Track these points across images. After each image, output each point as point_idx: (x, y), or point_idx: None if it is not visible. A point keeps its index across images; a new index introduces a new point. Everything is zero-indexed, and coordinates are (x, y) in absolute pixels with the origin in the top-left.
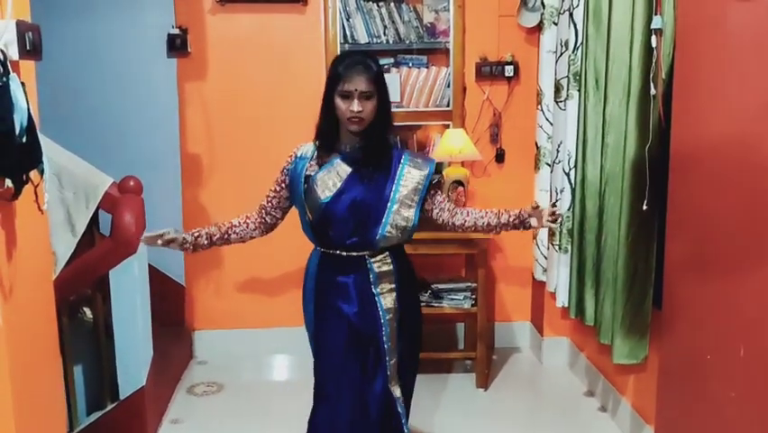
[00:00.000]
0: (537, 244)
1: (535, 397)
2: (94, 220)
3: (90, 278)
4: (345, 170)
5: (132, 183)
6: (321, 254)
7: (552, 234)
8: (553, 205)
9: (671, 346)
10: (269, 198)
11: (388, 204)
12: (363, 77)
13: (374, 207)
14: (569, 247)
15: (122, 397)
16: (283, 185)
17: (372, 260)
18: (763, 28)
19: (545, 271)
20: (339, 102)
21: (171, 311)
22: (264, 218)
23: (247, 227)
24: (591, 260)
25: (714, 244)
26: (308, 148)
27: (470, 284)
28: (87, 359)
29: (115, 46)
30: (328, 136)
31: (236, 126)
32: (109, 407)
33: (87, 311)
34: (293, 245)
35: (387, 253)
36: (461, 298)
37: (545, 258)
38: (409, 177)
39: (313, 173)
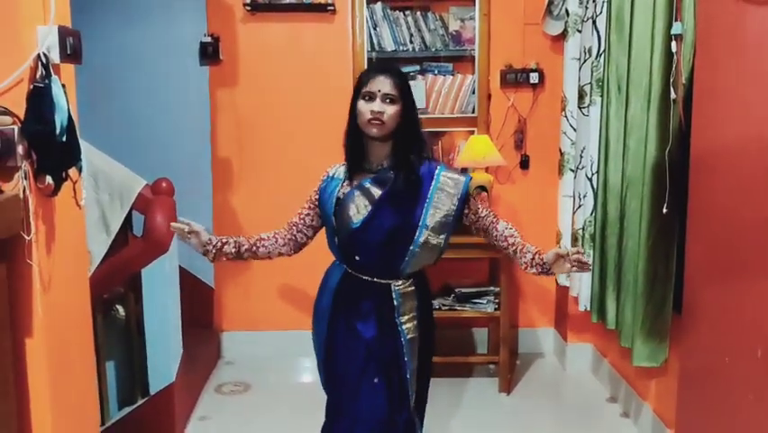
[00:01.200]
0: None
1: (558, 402)
2: (127, 221)
3: (123, 276)
4: (376, 192)
5: (164, 185)
6: (345, 272)
7: (575, 238)
8: (577, 252)
9: (690, 350)
10: (301, 216)
11: (417, 231)
12: (388, 80)
13: (402, 232)
14: (591, 251)
15: (152, 393)
16: (315, 204)
17: (396, 287)
18: None
19: (568, 276)
20: (361, 105)
21: (200, 313)
22: (295, 235)
23: (276, 242)
24: (613, 263)
25: (733, 247)
26: (341, 169)
27: (493, 288)
28: (119, 355)
29: (150, 53)
30: (354, 152)
31: (266, 133)
32: (140, 402)
33: (120, 309)
34: (321, 250)
35: (411, 279)
36: (485, 302)
37: None
38: (440, 201)
39: (344, 195)
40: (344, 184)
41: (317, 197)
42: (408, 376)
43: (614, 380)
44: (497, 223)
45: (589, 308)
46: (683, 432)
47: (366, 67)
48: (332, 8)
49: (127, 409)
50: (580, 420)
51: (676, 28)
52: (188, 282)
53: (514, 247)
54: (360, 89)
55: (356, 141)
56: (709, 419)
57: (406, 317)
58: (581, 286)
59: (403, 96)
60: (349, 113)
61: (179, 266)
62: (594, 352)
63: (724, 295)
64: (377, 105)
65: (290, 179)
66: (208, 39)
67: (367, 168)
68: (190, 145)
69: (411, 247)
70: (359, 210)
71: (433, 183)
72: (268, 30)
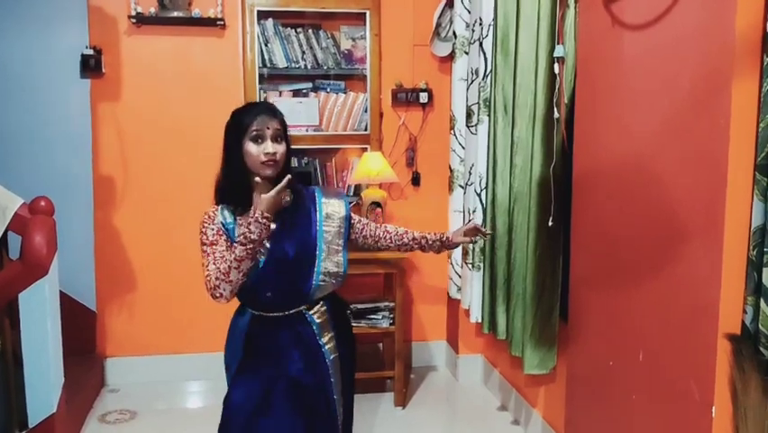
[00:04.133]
0: (452, 263)
1: (451, 413)
2: (2, 243)
3: None
4: (270, 228)
5: (43, 204)
6: (252, 317)
7: (465, 252)
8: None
9: (577, 355)
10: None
11: (316, 252)
12: (275, 118)
13: (306, 256)
14: (481, 264)
15: (31, 425)
16: (225, 239)
17: (311, 313)
18: (653, 58)
19: (460, 289)
20: (250, 147)
21: (81, 338)
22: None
23: None
24: (502, 275)
25: (614, 256)
26: (225, 213)
27: (387, 304)
28: None
29: (27, 65)
30: (243, 193)
31: (151, 149)
32: None
33: None
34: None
35: (321, 301)
36: (380, 317)
37: (459, 276)
38: (329, 220)
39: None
40: (238, 224)
41: (224, 232)
42: (336, 398)
43: (504, 389)
44: (383, 226)
45: (480, 320)
46: None
47: (240, 112)
48: (221, 23)
49: None
50: (473, 429)
51: (558, 51)
52: (68, 306)
53: (417, 241)
54: (242, 131)
55: (243, 181)
56: (596, 422)
57: (326, 338)
58: (473, 298)
59: (286, 133)
60: (228, 156)
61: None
62: (485, 363)
63: (606, 302)
64: (270, 147)
65: (176, 197)
66: (90, 51)
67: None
68: (70, 162)
69: (315, 269)
70: (261, 249)
71: (317, 203)
72: (154, 43)
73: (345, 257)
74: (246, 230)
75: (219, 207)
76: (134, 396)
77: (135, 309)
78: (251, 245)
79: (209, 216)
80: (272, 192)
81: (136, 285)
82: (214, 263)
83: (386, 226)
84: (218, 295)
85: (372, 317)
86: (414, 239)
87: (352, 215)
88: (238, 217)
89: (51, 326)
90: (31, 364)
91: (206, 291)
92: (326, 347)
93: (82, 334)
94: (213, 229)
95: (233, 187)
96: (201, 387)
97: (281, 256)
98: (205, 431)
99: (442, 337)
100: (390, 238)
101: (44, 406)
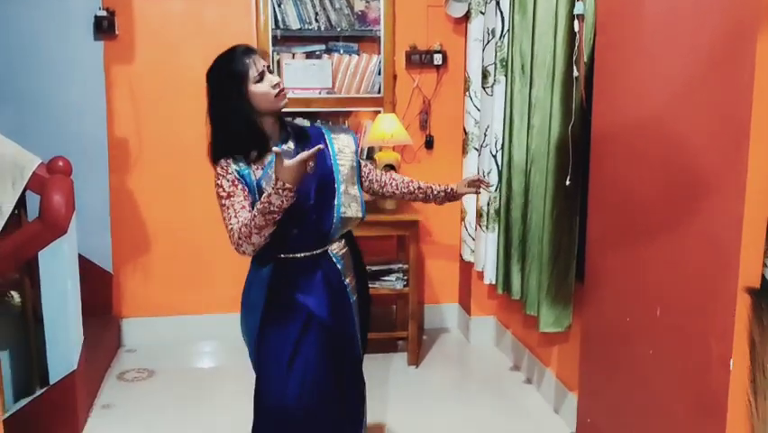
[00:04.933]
0: (465, 226)
1: (464, 373)
2: (21, 202)
3: (18, 261)
4: (293, 197)
5: (61, 164)
6: (276, 264)
7: (480, 215)
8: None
9: (592, 313)
10: (246, 204)
11: (335, 186)
12: (259, 54)
13: (326, 188)
14: (495, 226)
15: (52, 382)
16: (242, 188)
17: (335, 252)
18: (675, 16)
19: (473, 251)
20: (257, 88)
21: (98, 299)
22: None
23: None
24: (518, 236)
25: (631, 215)
26: (238, 162)
27: (401, 265)
28: (15, 344)
29: (40, 28)
30: (256, 138)
31: (165, 111)
32: (38, 392)
33: (15, 295)
34: (223, 230)
35: (343, 240)
36: (394, 279)
37: (473, 239)
38: (341, 155)
39: (259, 178)
40: (254, 171)
41: (239, 183)
42: (359, 343)
43: (516, 349)
44: (389, 173)
45: (494, 282)
46: (585, 393)
47: (225, 59)
48: None
49: (25, 401)
50: (486, 388)
51: (578, 8)
52: (85, 268)
53: (423, 190)
54: (240, 78)
55: (253, 127)
56: (610, 379)
57: (348, 279)
58: (486, 260)
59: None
60: (226, 105)
61: None
62: (497, 324)
63: (623, 261)
64: (275, 78)
65: (190, 158)
66: (103, 12)
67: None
68: (84, 124)
69: (335, 202)
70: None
71: (328, 143)
72: (167, 4)
73: (361, 192)
74: (267, 201)
75: (231, 159)
76: (151, 356)
77: (151, 271)
78: (273, 215)
79: (222, 168)
80: (296, 160)
81: (151, 247)
82: (235, 217)
83: (392, 173)
84: (242, 252)
85: (386, 278)
86: (419, 188)
87: (360, 160)
88: (252, 165)
89: (71, 284)
90: (51, 322)
91: (230, 244)
92: (349, 288)
93: (99, 295)
94: (228, 180)
95: (241, 136)
96: (216, 347)
97: (304, 192)
98: (221, 389)
99: (454, 300)
100: (396, 185)
101: (65, 363)
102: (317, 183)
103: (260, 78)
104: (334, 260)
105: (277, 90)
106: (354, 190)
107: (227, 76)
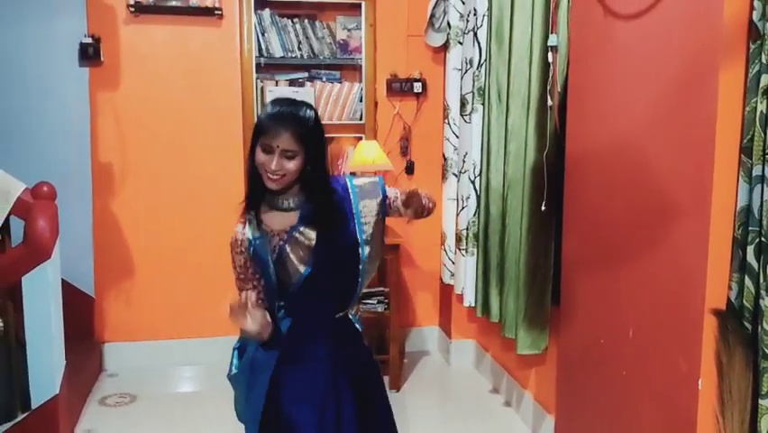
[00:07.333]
0: (445, 250)
1: (444, 396)
2: (5, 227)
3: (1, 285)
4: (308, 233)
5: (45, 189)
6: (292, 321)
7: (459, 238)
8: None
9: (568, 335)
10: (249, 280)
11: (360, 253)
12: (287, 133)
13: (350, 255)
14: (474, 250)
15: (33, 406)
16: (248, 263)
17: (352, 315)
18: (643, 48)
19: (453, 275)
20: (260, 155)
21: (80, 323)
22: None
23: None
24: (496, 260)
25: (605, 238)
26: (249, 227)
27: (382, 289)
28: None
29: (25, 54)
30: (263, 195)
31: (149, 137)
32: (20, 417)
33: None
34: (206, 255)
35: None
36: (375, 302)
37: (453, 262)
38: (366, 210)
39: (281, 244)
40: (272, 237)
41: (247, 257)
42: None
43: (496, 372)
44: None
45: (473, 304)
46: (562, 414)
47: (265, 111)
48: (219, 12)
49: (7, 426)
50: (466, 412)
51: (552, 40)
52: (68, 292)
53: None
54: (257, 133)
55: (260, 183)
56: (586, 400)
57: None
58: (466, 283)
59: (305, 144)
60: (249, 151)
61: None
62: (477, 347)
63: (597, 283)
64: (274, 163)
65: (174, 185)
66: (89, 39)
67: (278, 205)
68: (69, 149)
69: (360, 266)
70: (302, 258)
71: (352, 197)
72: (152, 32)
73: (382, 241)
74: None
75: (246, 223)
76: (133, 380)
77: (133, 295)
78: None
79: (235, 240)
80: (248, 328)
81: (134, 272)
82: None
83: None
84: None
85: (368, 301)
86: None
87: (387, 194)
88: (263, 224)
89: (54, 309)
90: (33, 347)
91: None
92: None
93: (80, 319)
94: (241, 258)
95: (252, 186)
96: (198, 372)
97: (326, 261)
98: (203, 413)
99: (434, 323)
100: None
101: (47, 388)
102: (341, 250)
103: (266, 150)
104: (355, 323)
105: (268, 174)
106: (374, 248)
107: (256, 122)
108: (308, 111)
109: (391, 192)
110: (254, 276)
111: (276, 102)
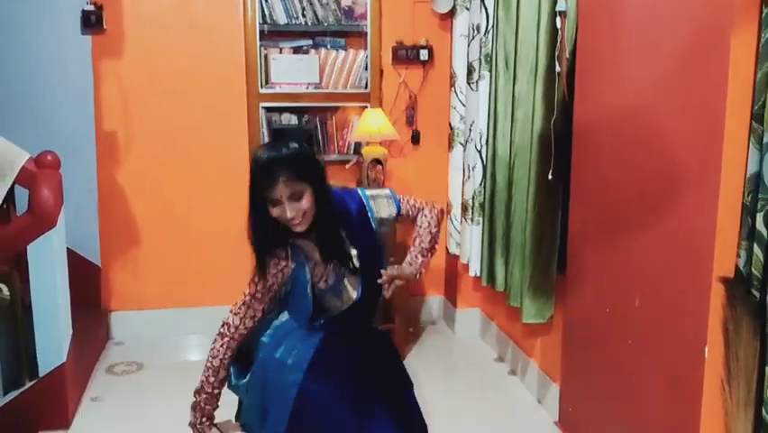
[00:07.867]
0: (451, 219)
1: (450, 364)
2: (9, 196)
3: (7, 254)
4: (354, 282)
5: (49, 158)
6: (324, 334)
7: (465, 208)
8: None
9: (574, 304)
10: (262, 295)
11: (383, 259)
12: (285, 177)
13: (379, 265)
14: (480, 219)
15: (41, 374)
16: (274, 287)
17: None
18: (653, 13)
19: (459, 244)
20: (272, 211)
21: (87, 292)
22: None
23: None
24: (501, 229)
25: (612, 206)
26: (285, 251)
27: (390, 259)
28: (4, 337)
29: (28, 22)
30: (277, 237)
31: (153, 104)
32: (28, 384)
33: (4, 288)
34: (211, 223)
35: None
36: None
37: (458, 231)
38: (380, 221)
39: (338, 272)
40: (314, 266)
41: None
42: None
43: (501, 341)
44: (416, 215)
45: (478, 273)
46: (567, 383)
47: (254, 163)
48: None
49: (14, 393)
50: (471, 381)
51: (560, 5)
52: (74, 261)
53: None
54: (260, 193)
55: (274, 230)
56: (590, 368)
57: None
58: (472, 252)
59: (307, 178)
60: (252, 204)
61: None
62: (482, 316)
63: (604, 252)
64: (289, 212)
65: (178, 152)
66: (91, 7)
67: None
68: (73, 118)
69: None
70: (353, 284)
71: (368, 209)
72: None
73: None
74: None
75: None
76: (140, 349)
77: (139, 264)
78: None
79: (282, 267)
80: None
81: (139, 240)
82: (237, 314)
83: (417, 217)
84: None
85: None
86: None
87: (401, 204)
88: (300, 253)
89: (59, 277)
90: (40, 315)
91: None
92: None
93: (87, 288)
94: (271, 273)
95: (263, 234)
96: (204, 340)
97: (370, 281)
98: None
99: (440, 292)
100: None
101: (54, 356)
102: (377, 266)
103: (274, 204)
104: (387, 338)
105: (289, 221)
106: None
107: (251, 181)
108: (292, 145)
109: (404, 207)
110: (269, 301)
111: (260, 152)
